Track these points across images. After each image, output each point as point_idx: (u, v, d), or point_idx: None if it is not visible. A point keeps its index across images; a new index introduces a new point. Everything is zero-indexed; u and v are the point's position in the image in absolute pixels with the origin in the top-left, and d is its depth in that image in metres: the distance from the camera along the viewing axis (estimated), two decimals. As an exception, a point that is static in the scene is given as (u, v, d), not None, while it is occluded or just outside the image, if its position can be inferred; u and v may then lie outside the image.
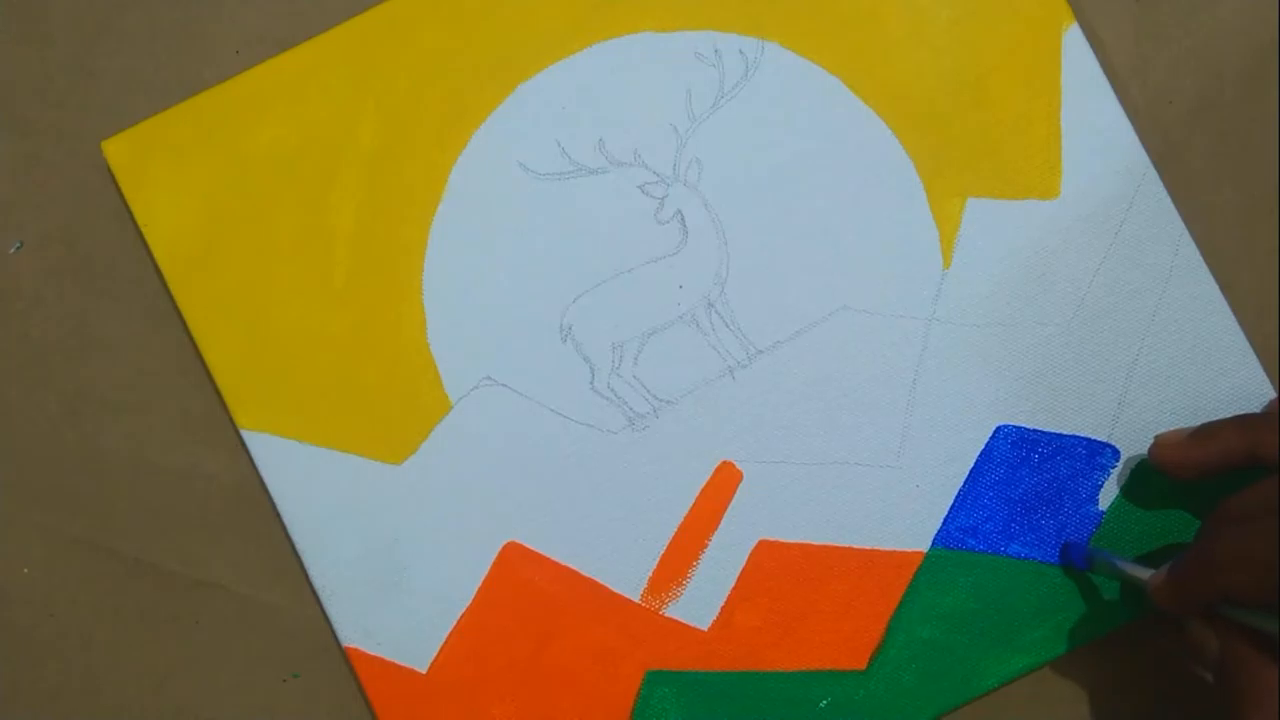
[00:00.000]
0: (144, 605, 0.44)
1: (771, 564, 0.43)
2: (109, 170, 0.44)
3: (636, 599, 0.43)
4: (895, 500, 0.43)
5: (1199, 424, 0.41)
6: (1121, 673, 0.43)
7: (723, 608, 0.43)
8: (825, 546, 0.43)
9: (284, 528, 0.43)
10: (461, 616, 0.43)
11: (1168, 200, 0.44)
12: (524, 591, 0.43)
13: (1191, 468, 0.40)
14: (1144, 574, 0.40)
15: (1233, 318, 0.43)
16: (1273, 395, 0.43)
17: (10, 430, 0.44)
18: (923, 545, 0.43)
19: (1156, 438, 0.42)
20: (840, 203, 0.44)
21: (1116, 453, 0.43)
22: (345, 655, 0.43)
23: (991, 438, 0.43)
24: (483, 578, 0.43)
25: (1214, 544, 0.37)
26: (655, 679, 0.43)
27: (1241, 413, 0.41)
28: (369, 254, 0.44)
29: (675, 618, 0.43)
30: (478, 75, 0.44)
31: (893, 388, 0.43)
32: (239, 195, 0.44)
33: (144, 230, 0.43)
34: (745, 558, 0.43)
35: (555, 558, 0.43)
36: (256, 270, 0.43)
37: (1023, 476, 0.43)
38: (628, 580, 0.43)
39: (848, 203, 0.44)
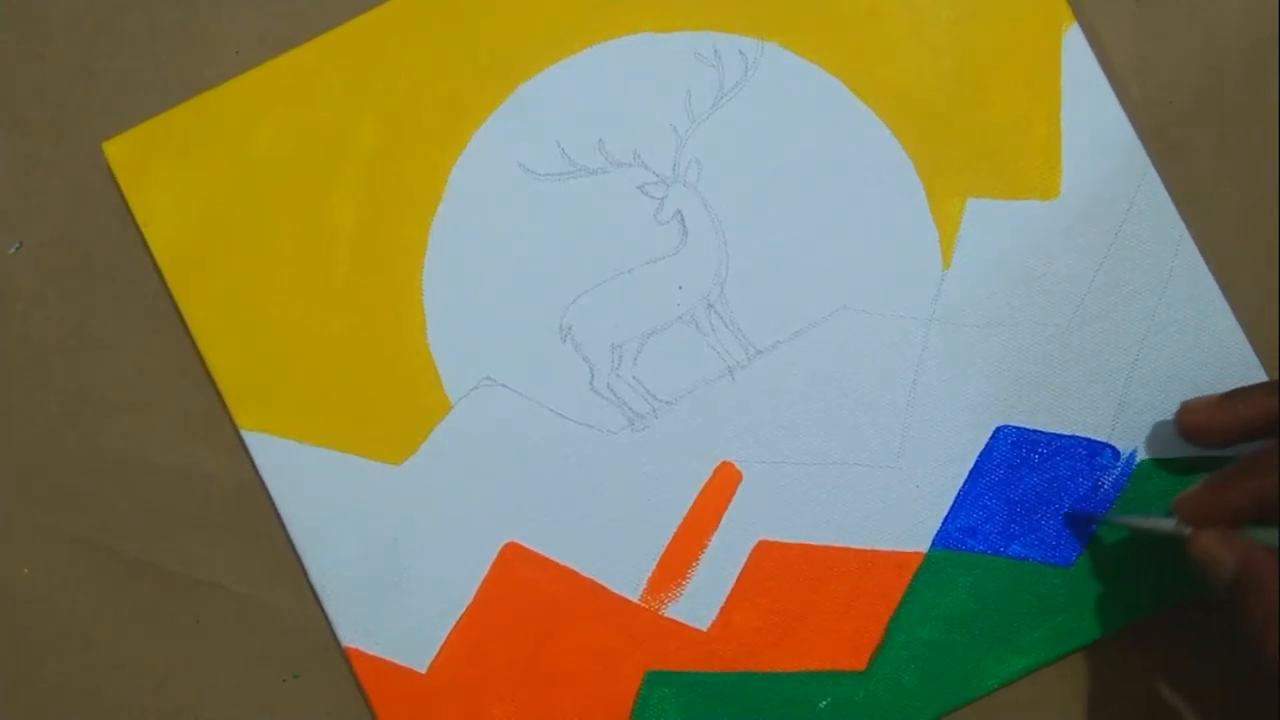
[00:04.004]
0: (144, 605, 0.44)
1: (771, 564, 0.43)
2: (109, 170, 0.44)
3: (636, 599, 0.43)
4: (895, 500, 0.43)
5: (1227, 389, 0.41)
6: (1121, 674, 0.43)
7: (722, 608, 0.43)
8: (825, 547, 0.43)
9: (284, 528, 0.43)
10: (461, 616, 0.43)
11: (1168, 200, 0.44)
12: (524, 591, 0.43)
13: (1218, 432, 0.40)
14: (1166, 523, 0.40)
15: (1233, 318, 0.43)
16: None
17: (10, 430, 0.44)
18: (922, 546, 0.43)
19: (1184, 403, 0.42)
20: (840, 203, 0.44)
21: (1116, 453, 0.43)
22: (345, 655, 0.43)
23: (991, 438, 0.43)
24: (482, 578, 0.43)
25: (1259, 453, 0.38)
26: (655, 679, 0.43)
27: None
28: (369, 254, 0.44)
29: (675, 618, 0.43)
30: (478, 75, 0.44)
31: (893, 388, 0.43)
32: (239, 195, 0.44)
33: (144, 230, 0.44)
34: (745, 558, 0.43)
35: (555, 558, 0.43)
36: (256, 270, 0.43)
37: (1023, 477, 0.43)
38: (627, 580, 0.43)
39: (848, 203, 0.44)
